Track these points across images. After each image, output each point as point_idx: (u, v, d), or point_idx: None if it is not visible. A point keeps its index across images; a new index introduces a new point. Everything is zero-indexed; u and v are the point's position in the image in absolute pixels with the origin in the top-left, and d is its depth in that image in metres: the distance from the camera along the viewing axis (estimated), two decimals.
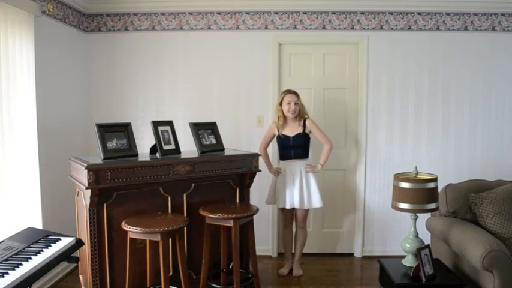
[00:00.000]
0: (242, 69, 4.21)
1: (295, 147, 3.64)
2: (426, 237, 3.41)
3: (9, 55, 2.92)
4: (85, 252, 2.84)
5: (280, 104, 3.65)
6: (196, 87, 4.23)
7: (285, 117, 3.68)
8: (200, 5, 4.14)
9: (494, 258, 2.60)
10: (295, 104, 3.60)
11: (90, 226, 2.75)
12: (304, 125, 3.65)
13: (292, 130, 3.66)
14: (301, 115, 3.67)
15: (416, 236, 3.03)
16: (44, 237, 2.12)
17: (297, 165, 3.65)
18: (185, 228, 2.87)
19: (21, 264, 1.77)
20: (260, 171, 3.41)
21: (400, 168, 4.04)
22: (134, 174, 2.85)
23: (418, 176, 3.03)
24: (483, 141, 4.23)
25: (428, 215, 3.44)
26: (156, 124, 3.12)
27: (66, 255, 2.03)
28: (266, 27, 4.17)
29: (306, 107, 3.76)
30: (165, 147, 3.11)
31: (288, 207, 3.64)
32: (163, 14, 4.18)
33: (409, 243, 3.02)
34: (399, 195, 2.97)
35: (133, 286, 2.72)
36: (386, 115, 4.21)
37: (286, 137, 3.66)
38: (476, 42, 4.15)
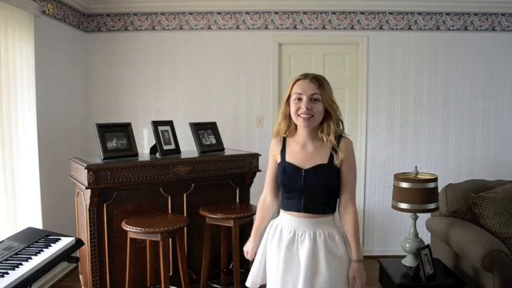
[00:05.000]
0: (242, 69, 4.21)
1: (308, 192, 1.84)
2: (426, 237, 3.40)
3: (9, 55, 2.92)
4: (85, 252, 2.84)
5: (288, 100, 1.87)
6: (196, 87, 4.23)
7: (296, 127, 1.91)
8: (200, 5, 4.13)
9: (495, 258, 2.60)
10: (314, 99, 1.79)
11: (90, 226, 2.75)
12: (335, 150, 1.82)
13: (307, 157, 1.86)
14: (329, 128, 1.83)
15: (416, 236, 3.03)
16: (44, 237, 2.12)
17: (307, 226, 1.84)
18: (185, 228, 2.87)
19: (21, 264, 1.77)
20: (260, 171, 3.41)
21: (400, 168, 4.04)
22: (134, 174, 2.85)
23: (418, 176, 3.02)
24: (483, 141, 4.23)
25: (428, 215, 3.43)
26: (156, 124, 3.12)
27: (66, 255, 2.02)
28: (266, 27, 4.17)
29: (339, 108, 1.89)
30: (165, 147, 3.11)
31: None
32: (163, 14, 4.18)
33: (409, 243, 3.01)
34: (399, 195, 2.97)
35: (133, 286, 2.72)
36: (387, 115, 4.21)
37: (294, 169, 1.86)
38: (476, 42, 4.14)
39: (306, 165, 1.84)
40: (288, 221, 1.89)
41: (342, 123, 1.89)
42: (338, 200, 1.88)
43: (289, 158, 1.89)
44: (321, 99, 1.80)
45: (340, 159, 1.81)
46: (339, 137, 1.84)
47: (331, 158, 1.82)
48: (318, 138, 1.86)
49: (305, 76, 1.84)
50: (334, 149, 1.81)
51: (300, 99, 1.80)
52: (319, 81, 1.81)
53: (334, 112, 1.83)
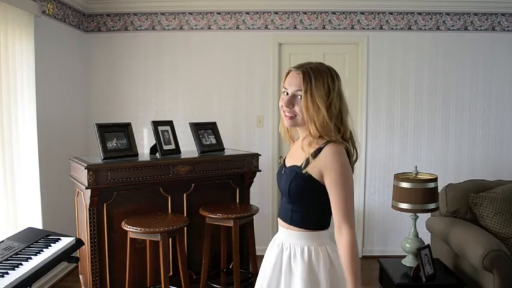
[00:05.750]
0: (242, 69, 4.21)
1: (282, 195, 1.68)
2: (426, 237, 3.41)
3: (9, 55, 2.92)
4: (85, 252, 2.84)
5: None
6: (196, 87, 4.23)
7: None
8: (200, 5, 4.13)
9: (494, 258, 2.60)
10: (299, 96, 1.54)
11: (90, 226, 2.75)
12: (312, 156, 1.53)
13: (292, 155, 1.68)
14: (307, 132, 1.56)
15: (416, 236, 3.03)
16: (44, 237, 2.12)
17: (280, 235, 1.68)
18: (185, 228, 2.87)
19: (21, 264, 1.77)
20: (260, 171, 3.41)
21: (400, 168, 4.04)
22: (134, 174, 2.84)
23: (418, 176, 3.03)
24: (483, 141, 4.23)
25: (428, 215, 3.44)
26: (156, 124, 3.12)
27: (66, 255, 2.02)
28: (266, 27, 4.17)
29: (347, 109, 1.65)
30: (165, 147, 3.11)
31: None
32: (163, 14, 4.18)
33: (409, 243, 3.02)
34: (399, 195, 2.97)
35: (133, 286, 2.72)
36: (387, 115, 4.21)
37: (281, 167, 1.73)
38: (476, 42, 4.14)
39: (288, 164, 1.65)
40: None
41: (342, 129, 1.55)
42: (318, 215, 1.58)
43: (286, 157, 1.73)
44: (304, 96, 1.51)
45: (318, 169, 1.51)
46: (327, 143, 1.51)
47: (305, 162, 1.54)
48: (305, 140, 1.58)
49: (297, 67, 1.59)
50: (312, 155, 1.51)
51: (287, 93, 1.57)
52: (306, 75, 1.52)
53: (310, 116, 1.50)
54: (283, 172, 1.66)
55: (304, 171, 1.53)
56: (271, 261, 1.64)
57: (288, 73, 1.61)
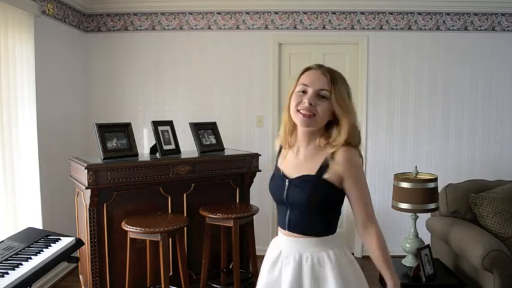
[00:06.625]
0: (242, 69, 4.21)
1: (292, 207, 1.56)
2: (426, 237, 3.41)
3: (9, 55, 2.92)
4: (85, 252, 2.84)
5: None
6: (196, 87, 4.23)
7: (295, 127, 1.58)
8: (200, 5, 4.14)
9: (495, 258, 2.60)
10: (321, 96, 1.47)
11: (90, 226, 2.75)
12: (327, 161, 1.49)
13: (297, 165, 1.57)
14: (339, 136, 1.49)
15: (416, 236, 3.03)
16: (44, 237, 2.12)
17: (293, 247, 1.56)
18: (185, 228, 2.87)
19: (21, 264, 1.77)
20: (260, 171, 3.41)
21: (400, 168, 4.04)
22: (134, 174, 2.85)
23: (418, 176, 3.03)
24: (483, 141, 4.23)
25: (428, 215, 3.43)
26: (156, 124, 3.12)
27: (66, 255, 2.02)
28: (266, 27, 4.17)
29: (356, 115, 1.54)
30: (165, 147, 3.11)
31: None
32: (163, 14, 4.18)
33: (409, 243, 3.02)
34: (399, 195, 2.97)
35: (133, 286, 2.72)
36: (387, 115, 4.21)
37: (281, 178, 1.61)
38: (476, 42, 4.14)
39: (292, 175, 1.55)
40: (277, 239, 1.63)
41: (359, 134, 1.52)
42: (334, 219, 1.59)
43: (280, 163, 1.63)
44: (329, 97, 1.45)
45: (337, 174, 1.47)
46: (340, 146, 1.48)
47: (321, 169, 1.49)
48: (314, 144, 1.53)
49: (318, 66, 1.50)
50: (327, 160, 1.47)
51: (304, 92, 1.47)
52: (332, 76, 1.46)
53: (347, 118, 1.45)
54: (287, 183, 1.55)
55: (324, 178, 1.48)
56: (286, 279, 1.51)
57: (307, 69, 1.52)
